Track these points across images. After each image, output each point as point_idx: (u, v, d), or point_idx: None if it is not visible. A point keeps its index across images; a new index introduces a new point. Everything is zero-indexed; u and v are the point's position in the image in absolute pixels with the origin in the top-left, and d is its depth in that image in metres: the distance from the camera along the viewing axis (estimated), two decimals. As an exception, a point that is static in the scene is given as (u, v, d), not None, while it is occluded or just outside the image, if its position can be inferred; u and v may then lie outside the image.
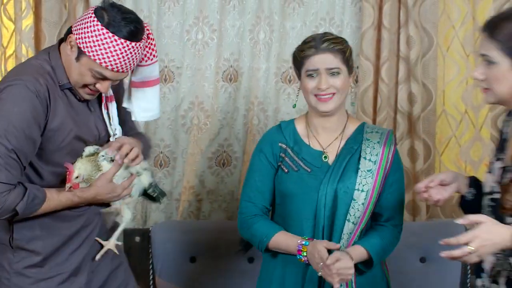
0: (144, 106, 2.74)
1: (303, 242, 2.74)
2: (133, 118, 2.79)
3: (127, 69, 2.56)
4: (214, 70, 3.76)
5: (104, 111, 2.72)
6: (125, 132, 2.80)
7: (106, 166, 2.63)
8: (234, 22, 3.77)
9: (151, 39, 2.65)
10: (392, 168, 2.82)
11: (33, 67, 2.59)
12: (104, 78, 2.55)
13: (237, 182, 3.84)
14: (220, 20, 3.75)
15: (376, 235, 2.80)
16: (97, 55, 2.50)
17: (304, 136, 2.88)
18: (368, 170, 2.79)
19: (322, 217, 2.79)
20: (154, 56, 2.69)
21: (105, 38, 2.49)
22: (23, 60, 3.44)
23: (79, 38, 2.52)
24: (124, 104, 2.76)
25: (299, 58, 2.80)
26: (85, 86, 2.58)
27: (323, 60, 2.76)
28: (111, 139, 2.72)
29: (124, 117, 2.82)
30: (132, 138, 2.72)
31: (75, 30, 2.54)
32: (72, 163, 2.56)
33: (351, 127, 2.88)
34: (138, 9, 3.73)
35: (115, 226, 2.79)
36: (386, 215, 2.82)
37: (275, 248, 2.81)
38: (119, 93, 2.79)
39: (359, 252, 2.74)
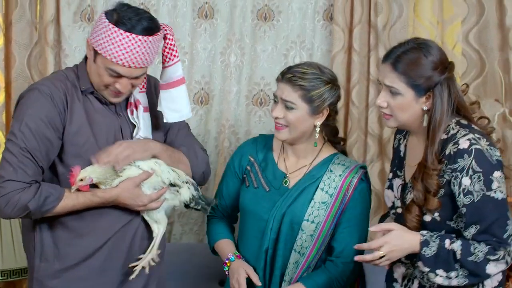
0: (171, 106, 2.78)
1: (230, 257, 2.81)
2: (164, 120, 2.80)
3: (139, 64, 2.58)
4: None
5: (130, 116, 2.75)
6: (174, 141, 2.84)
7: (134, 171, 2.62)
8: (206, 45, 3.78)
9: (170, 39, 2.70)
10: (350, 204, 2.76)
11: (54, 74, 2.74)
12: (119, 76, 2.59)
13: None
14: (191, 43, 3.77)
15: (322, 271, 2.76)
16: (108, 51, 2.55)
17: (276, 154, 2.88)
18: (322, 202, 2.75)
19: (267, 239, 2.78)
20: (175, 56, 2.73)
21: (113, 34, 2.54)
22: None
23: (92, 39, 2.59)
24: (158, 108, 2.79)
25: None
26: (106, 87, 2.63)
27: (282, 90, 2.75)
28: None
29: (171, 135, 2.86)
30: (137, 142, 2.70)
31: (90, 34, 2.62)
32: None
33: (322, 156, 2.85)
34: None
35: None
36: (338, 250, 2.78)
37: (218, 251, 2.90)
38: (153, 100, 2.82)
39: None
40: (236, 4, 3.75)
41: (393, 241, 2.43)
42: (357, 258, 2.50)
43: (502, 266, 2.41)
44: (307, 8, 3.75)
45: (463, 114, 2.46)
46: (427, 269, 2.42)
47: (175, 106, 2.78)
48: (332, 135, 2.93)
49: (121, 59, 2.55)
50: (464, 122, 2.45)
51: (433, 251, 2.40)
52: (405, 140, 2.64)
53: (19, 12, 3.69)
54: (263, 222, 2.78)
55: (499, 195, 2.37)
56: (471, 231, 2.39)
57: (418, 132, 2.52)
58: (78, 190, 2.55)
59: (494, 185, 2.36)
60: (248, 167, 2.89)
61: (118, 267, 2.71)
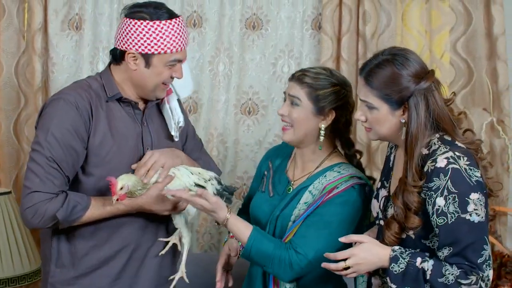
0: (180, 83, 2.82)
1: (225, 239, 2.91)
2: (178, 97, 2.86)
3: (187, 43, 2.67)
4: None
5: (167, 105, 2.78)
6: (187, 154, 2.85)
7: (155, 177, 2.64)
8: (194, 54, 3.77)
9: None
10: (327, 202, 2.68)
11: (78, 83, 2.70)
12: (178, 62, 2.64)
13: (200, 213, 3.81)
14: (179, 52, 3.76)
15: (272, 241, 2.68)
16: (163, 46, 2.58)
17: (291, 161, 2.88)
18: (305, 203, 2.72)
19: None
20: None
21: (158, 29, 2.58)
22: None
23: (137, 46, 2.59)
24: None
25: None
26: (163, 84, 2.66)
27: (290, 86, 2.75)
28: (173, 132, 2.77)
29: (188, 142, 2.90)
30: (168, 151, 2.72)
31: (127, 45, 2.60)
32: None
33: (326, 164, 2.80)
34: (97, 40, 3.74)
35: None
36: (295, 237, 2.68)
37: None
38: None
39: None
40: (225, 13, 3.75)
41: (361, 253, 2.38)
42: (323, 265, 2.44)
43: None
44: (296, 17, 3.76)
45: (442, 127, 2.37)
46: (394, 286, 2.34)
47: (181, 82, 2.80)
48: (347, 147, 2.87)
49: (175, 47, 2.60)
50: (447, 138, 2.37)
51: (401, 268, 2.33)
52: (395, 151, 2.59)
53: (7, 20, 3.68)
54: (261, 226, 2.79)
55: (475, 218, 2.26)
56: (444, 252, 2.30)
57: (400, 143, 2.47)
58: (117, 200, 2.52)
59: (470, 208, 2.25)
60: (266, 172, 2.92)
61: (132, 275, 2.71)
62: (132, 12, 2.61)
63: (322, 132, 2.74)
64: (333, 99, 2.72)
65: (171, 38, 2.58)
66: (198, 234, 3.86)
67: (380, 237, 2.46)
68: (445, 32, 3.73)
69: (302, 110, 2.71)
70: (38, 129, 2.58)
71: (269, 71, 3.77)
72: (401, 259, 2.34)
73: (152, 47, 2.58)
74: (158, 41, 2.57)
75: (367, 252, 2.38)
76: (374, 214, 2.58)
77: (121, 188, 2.51)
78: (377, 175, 3.70)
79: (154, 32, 2.57)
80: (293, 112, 2.71)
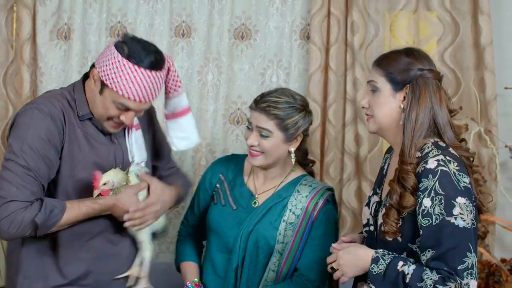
0: (180, 135, 2.83)
1: (189, 286, 2.88)
2: (173, 148, 2.86)
3: (149, 99, 2.59)
4: (162, 111, 3.74)
5: (127, 138, 2.75)
6: (161, 168, 2.89)
7: (134, 180, 2.65)
8: (183, 64, 3.78)
9: (173, 71, 2.71)
10: (315, 224, 2.79)
11: (51, 93, 2.69)
12: (127, 109, 2.58)
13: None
14: (168, 62, 3.76)
15: (287, 284, 2.78)
16: (119, 86, 2.53)
17: (246, 174, 2.91)
18: (290, 223, 2.78)
19: (237, 257, 2.81)
20: (179, 87, 2.76)
21: (126, 69, 2.52)
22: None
23: (101, 71, 2.56)
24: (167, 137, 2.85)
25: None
26: (109, 119, 2.62)
27: (257, 118, 2.80)
28: (135, 170, 2.74)
29: (161, 152, 2.90)
30: (165, 185, 2.74)
31: (97, 64, 2.59)
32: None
33: (291, 177, 2.89)
34: (86, 50, 3.74)
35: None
36: (301, 268, 2.80)
37: (182, 273, 2.96)
38: (144, 119, 2.84)
39: None
40: (213, 23, 3.76)
41: (345, 255, 2.45)
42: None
43: None
44: (284, 27, 3.77)
45: (438, 129, 2.44)
46: (373, 287, 2.36)
47: (184, 135, 2.83)
48: (302, 157, 2.97)
49: (133, 95, 2.54)
50: (442, 144, 2.42)
51: (381, 269, 2.35)
52: (390, 160, 2.63)
53: (-5, 30, 3.68)
54: (228, 239, 2.82)
55: (460, 222, 2.27)
56: (427, 255, 2.31)
57: (397, 144, 2.50)
58: (99, 194, 2.55)
59: (456, 211, 2.28)
60: (218, 185, 2.93)
61: None
62: (122, 41, 2.59)
63: (293, 155, 2.84)
64: (301, 124, 2.81)
65: (133, 85, 2.53)
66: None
67: (368, 245, 2.50)
68: (433, 42, 3.74)
69: (273, 140, 2.78)
70: (12, 138, 2.56)
71: (258, 81, 3.78)
72: (381, 260, 2.37)
73: (111, 79, 2.54)
74: (119, 77, 2.53)
75: (351, 254, 2.45)
76: (364, 221, 2.61)
77: (105, 184, 2.52)
78: (365, 184, 3.72)
79: (120, 69, 2.53)
80: (264, 143, 2.77)
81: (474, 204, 2.35)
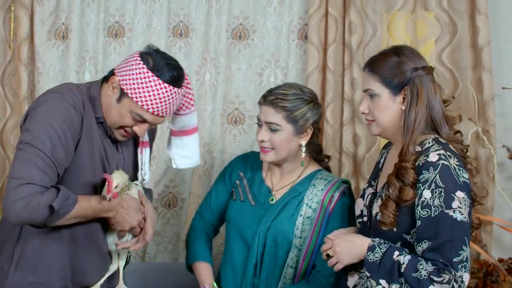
0: (183, 154, 2.81)
1: None
2: (173, 166, 2.84)
3: (166, 113, 2.59)
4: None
5: (140, 155, 2.76)
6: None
7: (134, 189, 2.66)
8: (180, 64, 3.76)
9: (189, 88, 2.72)
10: (332, 217, 2.81)
11: (71, 84, 2.68)
12: (143, 121, 2.58)
13: (183, 224, 3.81)
14: (166, 62, 3.76)
15: (303, 285, 2.79)
16: (140, 97, 2.53)
17: (264, 170, 2.92)
18: (307, 217, 2.79)
19: (255, 254, 2.81)
20: (192, 105, 2.75)
21: (150, 81, 2.52)
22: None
23: (122, 80, 2.55)
24: (167, 152, 2.84)
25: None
26: (121, 127, 2.61)
27: (265, 112, 2.80)
28: (138, 183, 2.74)
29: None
30: (153, 209, 2.74)
31: (119, 72, 2.58)
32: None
33: (307, 173, 2.89)
34: (83, 50, 3.74)
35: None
36: (318, 264, 2.80)
37: (196, 274, 2.93)
38: (149, 137, 2.84)
39: None
40: (211, 23, 3.75)
41: (341, 243, 2.48)
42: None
43: None
44: (282, 27, 3.77)
45: (435, 123, 2.47)
46: (368, 274, 2.39)
47: (187, 153, 2.82)
48: (316, 152, 2.98)
49: (152, 107, 2.54)
50: (442, 140, 2.45)
51: (376, 257, 2.38)
52: (387, 154, 2.66)
53: (-7, 30, 3.68)
54: (247, 235, 2.82)
55: (458, 216, 2.32)
56: (423, 246, 2.34)
57: (397, 141, 2.53)
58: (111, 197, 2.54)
59: (455, 204, 2.32)
60: (237, 181, 2.95)
61: None
62: (146, 53, 2.59)
63: (303, 149, 2.83)
64: (310, 116, 2.81)
65: (154, 98, 2.54)
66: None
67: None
68: (431, 43, 3.74)
69: (283, 134, 2.78)
70: (34, 122, 2.50)
71: (256, 81, 3.78)
72: (378, 249, 2.40)
73: (133, 89, 2.54)
74: (141, 89, 2.53)
75: (348, 242, 2.48)
76: (357, 213, 2.64)
77: (116, 187, 2.53)
78: (363, 184, 3.71)
79: (143, 81, 2.53)
80: (274, 138, 2.77)
81: (470, 195, 2.40)
